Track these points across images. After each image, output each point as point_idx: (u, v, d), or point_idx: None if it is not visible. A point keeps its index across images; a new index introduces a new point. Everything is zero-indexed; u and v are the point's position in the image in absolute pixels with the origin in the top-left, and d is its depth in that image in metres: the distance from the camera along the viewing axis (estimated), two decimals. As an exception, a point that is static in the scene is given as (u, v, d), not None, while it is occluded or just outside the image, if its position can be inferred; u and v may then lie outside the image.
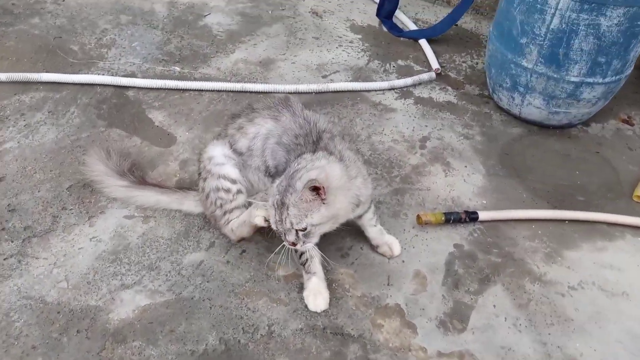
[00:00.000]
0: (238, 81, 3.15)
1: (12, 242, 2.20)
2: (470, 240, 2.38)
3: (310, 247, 1.92)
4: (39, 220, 2.29)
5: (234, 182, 2.13)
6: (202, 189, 2.20)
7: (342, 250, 2.30)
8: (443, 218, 2.39)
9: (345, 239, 2.34)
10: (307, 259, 2.07)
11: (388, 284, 2.18)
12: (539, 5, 2.65)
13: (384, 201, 2.53)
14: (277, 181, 1.91)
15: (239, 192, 2.15)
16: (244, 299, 2.09)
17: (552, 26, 2.65)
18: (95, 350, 1.89)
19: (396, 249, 2.27)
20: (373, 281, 2.19)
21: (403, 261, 2.27)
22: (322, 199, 1.83)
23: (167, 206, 2.36)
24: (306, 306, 2.07)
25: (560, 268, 2.30)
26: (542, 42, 2.71)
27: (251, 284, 2.14)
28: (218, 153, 2.16)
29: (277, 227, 1.90)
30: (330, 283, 2.16)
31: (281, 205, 1.85)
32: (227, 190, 2.13)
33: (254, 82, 3.17)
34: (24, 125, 2.73)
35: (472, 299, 2.16)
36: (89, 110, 2.87)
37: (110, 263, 2.17)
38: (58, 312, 1.99)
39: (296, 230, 1.85)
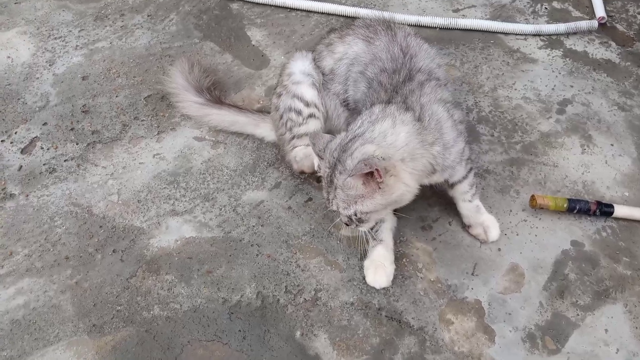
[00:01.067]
0: (353, 5, 2.74)
1: (77, 144, 2.10)
2: (595, 240, 1.84)
3: (364, 230, 1.59)
4: (108, 126, 2.16)
5: (307, 104, 1.83)
6: (276, 107, 1.92)
7: (425, 221, 1.89)
8: (566, 205, 1.86)
9: (432, 208, 1.93)
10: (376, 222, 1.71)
11: (473, 274, 1.75)
12: None
13: (493, 171, 2.04)
14: (337, 139, 1.54)
15: (311, 116, 1.84)
16: (296, 253, 1.80)
17: None
18: (125, 275, 1.74)
19: (493, 233, 1.81)
20: (454, 266, 1.77)
21: (499, 249, 1.81)
22: (378, 183, 1.44)
23: (242, 128, 2.11)
24: (364, 278, 1.72)
25: None
26: None
27: (308, 238, 1.83)
28: (298, 69, 1.86)
29: (326, 204, 1.58)
30: (401, 257, 1.78)
31: (329, 183, 1.51)
32: (299, 112, 1.83)
33: (370, 8, 2.74)
34: (121, 27, 2.60)
35: (578, 315, 1.67)
36: (188, 19, 2.66)
37: (167, 185, 1.98)
38: (100, 227, 1.86)
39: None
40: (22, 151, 2.08)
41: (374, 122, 1.51)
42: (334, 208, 1.53)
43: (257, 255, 1.79)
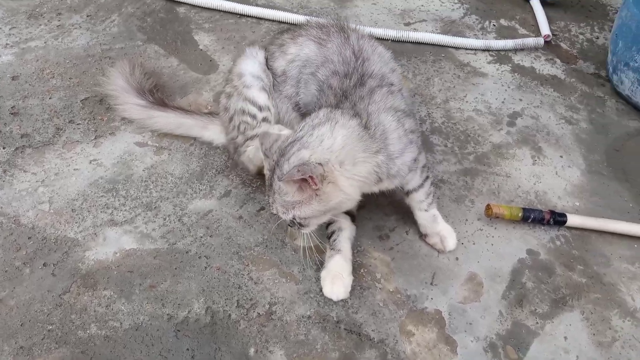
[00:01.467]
0: (305, 14, 2.70)
1: (3, 148, 1.91)
2: (549, 249, 1.84)
3: (306, 232, 1.53)
4: (40, 129, 1.98)
5: (260, 108, 1.74)
6: (225, 108, 1.82)
7: (382, 231, 1.83)
8: (520, 214, 1.85)
9: (389, 217, 1.87)
10: (333, 231, 1.64)
11: (432, 283, 1.70)
12: None
13: (448, 180, 2.01)
14: (280, 140, 1.48)
15: (265, 120, 1.74)
16: (248, 265, 1.68)
17: None
18: (57, 291, 1.56)
19: (450, 243, 1.77)
20: (413, 276, 1.71)
21: (457, 258, 1.77)
22: (315, 190, 1.38)
23: (188, 131, 1.99)
24: (321, 290, 1.63)
25: (664, 306, 1.72)
26: (698, 10, 2.05)
27: (261, 249, 1.73)
28: (248, 71, 1.77)
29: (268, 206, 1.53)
30: (358, 267, 1.70)
31: (270, 187, 1.46)
32: (253, 116, 1.74)
33: (323, 18, 2.70)
34: (57, 26, 2.43)
35: (537, 323, 1.64)
36: (130, 21, 2.52)
37: (105, 193, 1.83)
38: (29, 238, 1.67)
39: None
40: (-60, 155, 1.87)
41: (315, 126, 1.45)
42: (274, 212, 1.48)
43: (205, 267, 1.66)
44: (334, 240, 1.64)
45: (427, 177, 1.73)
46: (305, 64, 1.70)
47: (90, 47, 2.34)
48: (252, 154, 1.78)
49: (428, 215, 1.77)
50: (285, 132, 1.59)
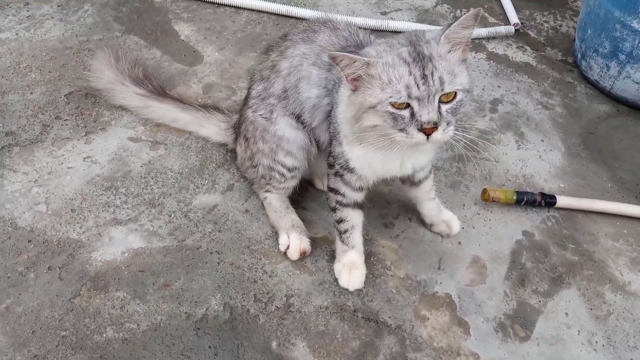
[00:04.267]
0: (283, 3, 2.67)
1: (-12, 147, 1.81)
2: (542, 230, 1.93)
3: (451, 135, 1.32)
4: (25, 126, 1.88)
5: (291, 169, 1.70)
6: (249, 149, 1.73)
7: (386, 218, 1.86)
8: (514, 197, 1.93)
9: (391, 204, 1.90)
10: (347, 229, 1.64)
11: (439, 268, 1.75)
12: (674, -49, 2.11)
13: (443, 167, 2.07)
14: (371, 49, 1.32)
15: (293, 177, 1.73)
16: (261, 259, 1.68)
17: (685, -20, 2.11)
18: (67, 295, 1.50)
19: (456, 226, 1.83)
20: (421, 261, 1.76)
21: (460, 243, 1.84)
22: (465, 55, 1.31)
23: (184, 126, 1.95)
24: (335, 280, 1.65)
25: (647, 279, 1.86)
26: (666, 0, 2.18)
27: (272, 242, 1.72)
28: (289, 136, 1.65)
29: (412, 94, 1.24)
30: (368, 256, 1.73)
31: (419, 57, 1.24)
32: (282, 175, 1.71)
33: (301, 7, 2.69)
34: (27, 17, 2.30)
35: (540, 301, 1.73)
36: (105, 11, 2.42)
37: (104, 191, 1.76)
38: (29, 241, 1.60)
39: (439, 104, 1.27)
40: None
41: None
42: (437, 85, 1.24)
43: (218, 263, 1.64)
44: (348, 237, 1.65)
45: (432, 165, 1.77)
46: (300, 62, 1.58)
47: (66, 39, 2.23)
48: (269, 210, 1.78)
49: (434, 205, 1.81)
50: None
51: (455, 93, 1.28)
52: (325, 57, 1.53)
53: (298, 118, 1.62)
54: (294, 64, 1.59)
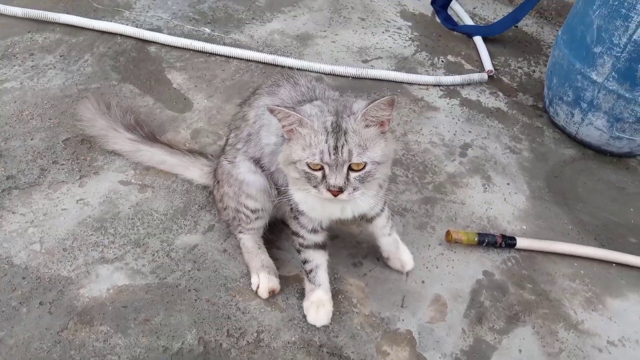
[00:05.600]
0: (270, 53, 2.87)
1: (-10, 190, 1.97)
2: (502, 270, 2.07)
3: (359, 196, 1.48)
4: (24, 170, 2.06)
5: (254, 211, 1.86)
6: (219, 192, 1.92)
7: (356, 258, 2.01)
8: (476, 239, 2.08)
9: (360, 244, 2.05)
10: (311, 269, 1.78)
11: (402, 306, 1.89)
12: (623, 10, 2.29)
13: (411, 209, 2.22)
14: (307, 108, 1.50)
15: (257, 218, 1.88)
16: (235, 296, 1.82)
17: (635, 37, 2.28)
18: (55, 329, 1.65)
19: (408, 264, 1.98)
20: (385, 300, 1.90)
21: (423, 282, 1.97)
22: (382, 132, 1.48)
23: (171, 169, 2.12)
24: (304, 317, 1.79)
25: (601, 318, 1.98)
26: (619, 54, 2.36)
27: (246, 280, 1.87)
28: (249, 179, 1.81)
29: (324, 158, 1.42)
30: (336, 294, 1.87)
31: (337, 129, 1.42)
32: (247, 216, 1.87)
33: (288, 56, 2.88)
34: (31, 67, 2.49)
35: (495, 338, 1.85)
36: (104, 61, 2.62)
37: (94, 231, 1.92)
38: (23, 278, 1.75)
39: (348, 171, 1.44)
40: None
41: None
42: (345, 157, 1.42)
43: (195, 300, 1.79)
44: (314, 277, 1.78)
45: (385, 202, 1.87)
46: (264, 111, 1.71)
47: (66, 88, 2.42)
48: (243, 249, 1.92)
49: (391, 240, 1.95)
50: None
51: (365, 164, 1.44)
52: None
53: (257, 162, 1.77)
54: (259, 114, 1.75)
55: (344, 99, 1.57)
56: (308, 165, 1.45)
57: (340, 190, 1.44)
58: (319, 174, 1.45)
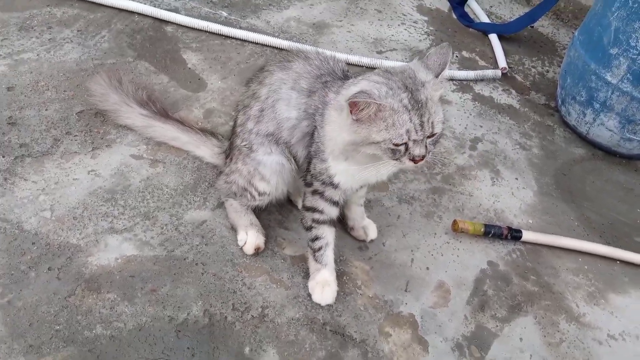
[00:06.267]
0: (286, 39, 2.88)
1: (2, 157, 1.99)
2: (507, 261, 2.08)
3: (430, 157, 1.54)
4: (38, 139, 2.08)
5: (262, 194, 1.87)
6: (230, 168, 1.90)
7: (362, 242, 2.02)
8: (482, 229, 2.09)
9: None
10: (321, 247, 1.79)
11: (406, 290, 1.90)
12: (643, 12, 2.30)
13: (419, 198, 2.23)
14: (364, 84, 1.49)
15: (262, 200, 1.91)
16: (241, 272, 1.83)
17: (652, 39, 2.29)
18: (63, 294, 1.67)
19: (372, 234, 2.02)
20: (389, 283, 1.91)
21: (427, 268, 1.98)
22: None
23: (181, 146, 2.13)
24: (309, 295, 1.80)
25: (603, 312, 1.99)
26: (635, 56, 2.36)
27: (253, 257, 1.88)
28: (266, 162, 1.81)
29: (412, 136, 1.44)
30: (341, 275, 1.89)
31: (417, 105, 1.43)
32: (253, 197, 1.89)
33: (303, 43, 2.89)
34: (49, 39, 2.51)
35: (497, 326, 1.86)
36: (120, 38, 2.64)
37: (104, 202, 1.94)
38: (33, 243, 1.77)
39: (426, 138, 1.47)
40: (-61, 162, 1.93)
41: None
42: (430, 129, 1.46)
43: (202, 273, 1.80)
44: (321, 255, 1.79)
45: None
46: (279, 86, 1.72)
47: (82, 62, 2.44)
48: (230, 211, 1.96)
49: (360, 210, 1.98)
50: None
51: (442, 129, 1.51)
52: (303, 83, 1.70)
53: (271, 136, 1.76)
54: (273, 89, 1.74)
55: (402, 68, 1.53)
56: (394, 144, 1.46)
57: (422, 158, 1.48)
58: (402, 147, 1.47)
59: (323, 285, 1.79)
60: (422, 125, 1.44)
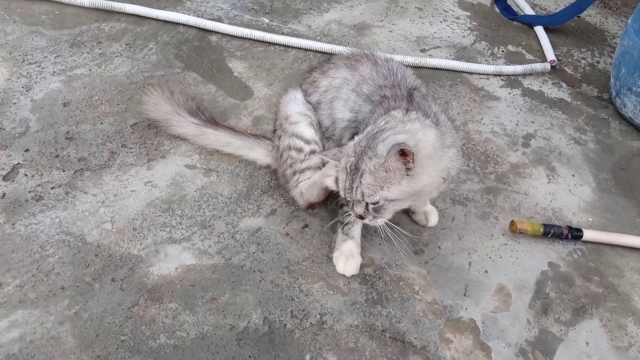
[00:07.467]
0: (328, 42, 2.87)
1: (63, 171, 2.05)
2: (568, 262, 2.01)
3: (380, 224, 1.64)
4: (95, 153, 2.13)
5: (307, 142, 1.88)
6: (277, 147, 1.98)
7: (417, 246, 1.99)
8: (541, 230, 2.03)
9: (422, 232, 2.03)
10: (349, 221, 1.82)
11: (465, 294, 1.87)
12: (703, -3, 2.19)
13: (473, 199, 2.19)
14: (355, 139, 1.63)
15: (312, 152, 1.89)
16: (298, 278, 1.84)
17: None
18: (127, 304, 1.70)
19: (433, 219, 2.03)
20: (448, 288, 1.88)
21: (486, 271, 1.94)
22: (408, 169, 1.53)
23: (236, 150, 2.16)
24: (366, 301, 1.79)
25: (673, 313, 1.91)
26: (696, 43, 2.25)
27: (308, 264, 1.88)
28: (295, 110, 1.90)
29: (344, 195, 1.64)
30: (398, 280, 1.87)
31: (354, 171, 1.57)
32: (299, 150, 1.89)
33: (345, 45, 2.88)
34: (99, 54, 2.58)
35: (561, 330, 1.81)
36: (167, 50, 2.68)
37: (162, 212, 1.97)
38: (96, 255, 1.82)
39: (367, 203, 1.59)
40: (4, 178, 2.00)
41: (404, 121, 1.60)
42: (357, 197, 1.58)
43: (260, 281, 1.81)
44: (350, 228, 1.84)
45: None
46: (341, 85, 1.81)
47: (132, 75, 2.49)
48: (303, 189, 1.94)
49: None
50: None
51: (378, 201, 1.57)
52: (365, 88, 1.77)
53: (327, 131, 1.87)
54: (334, 85, 1.82)
55: (378, 131, 1.60)
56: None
57: (362, 217, 1.63)
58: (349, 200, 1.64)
59: (347, 257, 1.83)
60: (351, 189, 1.59)
